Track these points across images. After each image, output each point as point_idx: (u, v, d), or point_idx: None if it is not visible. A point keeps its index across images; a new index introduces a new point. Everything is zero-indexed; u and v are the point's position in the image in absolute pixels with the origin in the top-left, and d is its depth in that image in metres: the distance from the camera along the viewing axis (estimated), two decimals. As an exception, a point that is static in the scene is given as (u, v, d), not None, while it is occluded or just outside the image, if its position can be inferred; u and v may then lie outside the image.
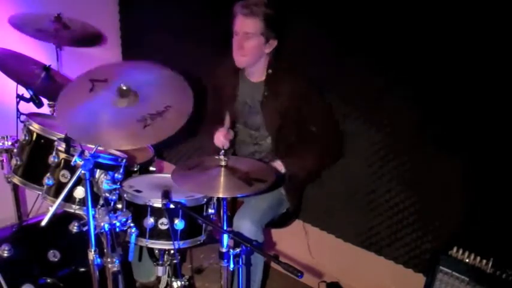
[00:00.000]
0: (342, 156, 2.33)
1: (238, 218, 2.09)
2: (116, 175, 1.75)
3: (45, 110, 2.37)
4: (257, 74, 2.20)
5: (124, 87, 1.52)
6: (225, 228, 1.72)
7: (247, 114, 2.26)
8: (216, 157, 1.70)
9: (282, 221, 2.35)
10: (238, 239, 1.63)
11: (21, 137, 2.00)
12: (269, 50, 2.13)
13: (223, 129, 2.16)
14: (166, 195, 1.76)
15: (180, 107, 1.53)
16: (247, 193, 1.65)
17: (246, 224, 2.05)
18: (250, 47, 2.08)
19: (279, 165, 2.15)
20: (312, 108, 2.15)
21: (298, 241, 2.69)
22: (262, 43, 2.08)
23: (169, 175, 1.72)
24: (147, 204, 1.79)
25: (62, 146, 1.78)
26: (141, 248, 2.25)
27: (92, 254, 1.60)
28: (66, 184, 1.60)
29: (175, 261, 2.04)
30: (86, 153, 1.55)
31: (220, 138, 2.15)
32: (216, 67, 2.36)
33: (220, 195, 1.61)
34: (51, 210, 1.50)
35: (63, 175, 1.82)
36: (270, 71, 2.17)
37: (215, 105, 2.38)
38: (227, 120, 2.17)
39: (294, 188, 2.28)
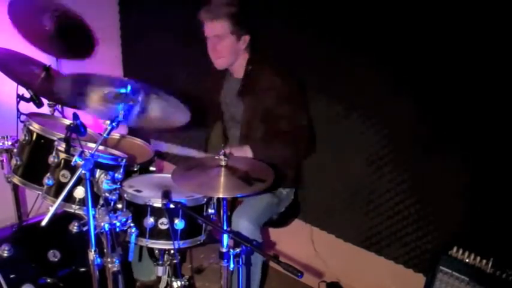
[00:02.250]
0: (308, 155, 2.33)
1: (236, 216, 2.10)
2: (116, 175, 1.75)
3: (45, 110, 2.37)
4: (238, 70, 2.23)
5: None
6: (225, 228, 1.72)
7: (232, 109, 2.30)
8: (216, 157, 1.70)
9: (281, 220, 2.35)
10: (239, 239, 1.63)
11: (21, 137, 2.00)
12: (244, 45, 2.15)
13: None
14: (166, 195, 1.76)
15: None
16: (247, 193, 1.65)
17: (244, 223, 2.06)
18: (224, 48, 2.12)
19: (247, 150, 2.11)
20: (284, 106, 2.11)
21: (298, 241, 2.69)
22: (235, 41, 2.11)
23: (169, 175, 1.72)
24: (147, 204, 1.79)
25: (62, 146, 1.78)
26: (141, 247, 2.25)
27: (92, 254, 1.60)
28: (66, 184, 1.60)
29: (175, 261, 2.05)
30: (86, 153, 1.55)
31: None
32: None
33: (220, 195, 1.61)
34: (51, 210, 1.49)
35: (63, 175, 1.81)
36: (250, 67, 2.19)
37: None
38: None
39: None
